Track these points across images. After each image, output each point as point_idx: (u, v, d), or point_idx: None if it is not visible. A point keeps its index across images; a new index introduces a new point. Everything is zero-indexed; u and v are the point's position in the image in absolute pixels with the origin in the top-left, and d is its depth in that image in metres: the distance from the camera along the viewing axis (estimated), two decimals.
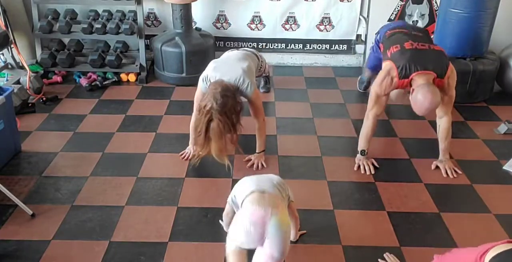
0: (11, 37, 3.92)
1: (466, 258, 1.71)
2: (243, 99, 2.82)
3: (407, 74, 2.70)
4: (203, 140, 2.61)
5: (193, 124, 2.93)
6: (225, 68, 2.84)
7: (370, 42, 4.38)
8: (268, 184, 2.04)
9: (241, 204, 1.97)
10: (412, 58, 2.71)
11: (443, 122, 2.92)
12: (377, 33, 3.34)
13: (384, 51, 2.96)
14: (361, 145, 2.98)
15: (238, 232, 1.90)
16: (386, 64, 2.82)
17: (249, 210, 1.90)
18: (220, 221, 2.41)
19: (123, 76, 4.17)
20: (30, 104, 3.63)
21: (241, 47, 4.57)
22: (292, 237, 2.33)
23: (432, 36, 4.23)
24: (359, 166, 2.96)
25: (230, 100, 2.58)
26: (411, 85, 2.72)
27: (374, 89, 2.87)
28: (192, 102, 3.80)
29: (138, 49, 4.20)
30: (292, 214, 2.23)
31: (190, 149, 3.05)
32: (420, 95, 2.61)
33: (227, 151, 2.66)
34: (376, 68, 3.39)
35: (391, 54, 2.83)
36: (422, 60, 2.71)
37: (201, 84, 2.84)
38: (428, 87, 2.62)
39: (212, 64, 2.87)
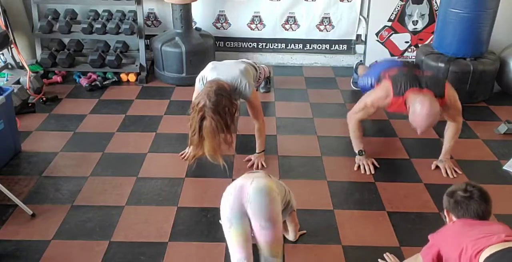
0: (11, 37, 3.92)
1: (456, 242, 1.68)
2: (242, 101, 2.82)
3: (402, 92, 2.64)
4: (197, 139, 2.56)
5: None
6: (222, 68, 2.83)
7: (370, 42, 4.40)
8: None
9: None
10: (409, 78, 2.69)
11: (452, 125, 2.91)
12: (369, 76, 3.27)
13: (383, 77, 2.90)
14: (355, 146, 3.00)
15: (223, 205, 1.92)
16: (384, 82, 2.80)
17: (235, 181, 1.96)
18: (220, 221, 2.41)
19: (123, 76, 4.17)
20: (30, 104, 3.63)
21: (241, 47, 4.59)
22: (291, 237, 2.33)
23: (432, 36, 4.24)
24: (359, 166, 2.97)
25: (224, 100, 2.53)
26: (406, 109, 2.66)
27: (366, 98, 2.85)
28: (191, 102, 3.80)
29: (138, 49, 4.20)
30: (293, 221, 2.25)
31: (190, 149, 3.05)
32: (418, 104, 2.55)
33: (221, 151, 2.60)
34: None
35: (389, 76, 2.81)
36: (418, 80, 2.67)
37: (198, 85, 2.84)
38: (424, 96, 2.57)
39: (210, 65, 2.86)
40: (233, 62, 3.05)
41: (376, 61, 3.39)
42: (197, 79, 2.85)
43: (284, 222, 2.22)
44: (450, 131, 2.93)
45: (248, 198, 1.85)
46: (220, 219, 2.39)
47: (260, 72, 3.34)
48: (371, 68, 3.33)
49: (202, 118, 2.49)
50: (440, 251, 1.75)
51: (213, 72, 2.77)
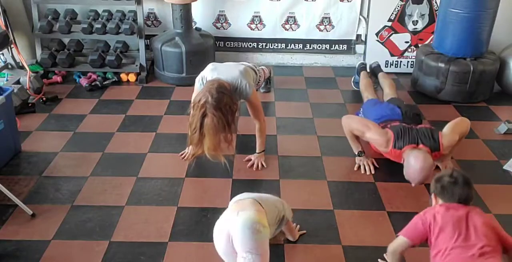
0: (11, 37, 3.92)
1: (441, 239, 1.89)
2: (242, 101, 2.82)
3: (401, 146, 2.70)
4: (198, 137, 2.54)
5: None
6: (222, 69, 2.82)
7: (370, 42, 4.40)
8: (251, 195, 2.06)
9: None
10: (409, 134, 2.73)
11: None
12: (364, 114, 3.26)
13: (383, 127, 2.91)
14: (354, 148, 3.01)
15: (214, 242, 1.97)
16: (388, 132, 2.78)
17: (223, 220, 1.96)
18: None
19: (123, 76, 4.17)
20: (30, 104, 3.63)
21: (241, 47, 4.59)
22: (291, 238, 2.33)
23: (432, 36, 4.24)
24: (359, 166, 2.97)
25: (225, 98, 2.53)
26: (403, 160, 2.73)
27: (366, 130, 2.82)
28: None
29: (138, 49, 4.20)
30: (288, 227, 2.27)
31: (190, 149, 3.05)
32: (412, 158, 2.62)
33: (221, 150, 2.60)
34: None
35: (390, 126, 2.84)
36: (416, 137, 2.72)
37: (197, 85, 2.83)
38: (419, 151, 2.64)
39: (210, 66, 2.86)
40: (233, 63, 3.06)
41: (372, 100, 3.38)
42: (196, 80, 2.85)
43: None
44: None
45: (233, 232, 1.86)
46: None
47: (259, 76, 3.33)
48: (367, 108, 3.29)
49: (204, 115, 2.48)
50: (431, 225, 1.92)
51: (213, 72, 2.77)
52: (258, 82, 3.35)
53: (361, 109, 3.35)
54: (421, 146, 2.68)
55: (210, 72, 2.77)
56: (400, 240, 1.99)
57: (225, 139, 2.57)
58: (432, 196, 2.06)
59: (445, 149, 2.74)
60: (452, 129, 2.80)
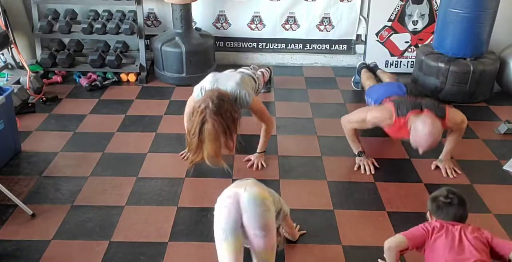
0: (11, 37, 3.92)
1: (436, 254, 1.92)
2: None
3: (404, 113, 2.64)
4: (197, 142, 2.50)
5: (186, 125, 2.93)
6: (222, 79, 2.79)
7: (370, 42, 4.40)
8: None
9: None
10: (410, 101, 2.71)
11: (455, 134, 2.90)
12: (369, 96, 3.25)
13: (384, 102, 2.92)
14: (354, 148, 3.01)
15: (217, 214, 1.91)
16: (386, 105, 2.79)
17: (226, 190, 1.95)
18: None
19: (123, 76, 4.17)
20: (30, 104, 3.63)
21: (241, 47, 4.59)
22: (292, 237, 2.33)
23: (432, 36, 4.24)
24: (359, 166, 2.97)
25: (226, 104, 2.52)
26: (408, 128, 2.65)
27: (366, 113, 2.82)
28: None
29: (138, 49, 4.20)
30: (287, 224, 2.26)
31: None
32: (419, 123, 2.55)
33: (221, 157, 2.56)
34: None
35: (390, 99, 2.83)
36: (420, 104, 2.68)
37: (197, 92, 2.80)
38: (425, 116, 2.58)
39: (210, 77, 2.83)
40: (232, 73, 3.03)
41: (375, 85, 3.38)
42: (195, 88, 2.82)
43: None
44: (452, 137, 2.93)
45: (243, 207, 1.85)
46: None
47: (259, 83, 3.30)
48: (371, 90, 3.30)
49: (203, 121, 2.46)
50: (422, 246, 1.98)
51: (212, 83, 2.75)
52: (258, 89, 3.32)
53: (366, 94, 3.33)
54: (426, 111, 2.60)
55: (210, 83, 2.75)
56: (398, 238, 2.00)
57: (225, 145, 2.53)
58: (428, 213, 2.14)
59: (450, 120, 2.67)
60: (456, 111, 2.80)
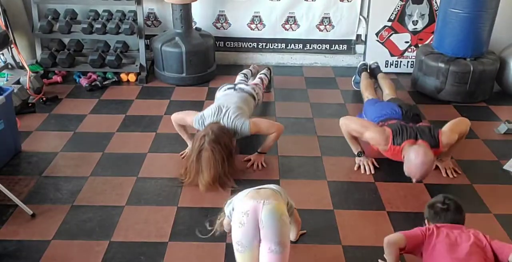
0: (11, 37, 3.92)
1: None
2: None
3: (399, 142, 2.69)
4: (194, 171, 2.67)
5: (178, 129, 3.05)
6: (223, 112, 2.86)
7: (370, 42, 4.40)
8: (265, 186, 2.05)
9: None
10: (407, 130, 2.72)
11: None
12: (365, 113, 3.27)
13: (381, 126, 2.91)
14: (353, 148, 3.01)
15: (234, 229, 1.91)
16: (386, 130, 2.78)
17: (242, 204, 1.92)
18: (214, 230, 2.39)
19: (123, 76, 4.17)
20: (30, 104, 3.63)
21: (241, 47, 4.59)
22: (292, 237, 2.33)
23: (432, 36, 4.24)
24: (359, 166, 2.97)
25: (225, 137, 2.68)
26: (402, 156, 2.70)
27: (365, 131, 2.81)
28: (193, 102, 3.81)
29: (138, 49, 4.20)
30: (295, 219, 2.24)
31: (189, 149, 3.04)
32: (412, 153, 2.59)
33: (217, 187, 2.68)
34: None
35: (388, 124, 2.84)
36: (414, 133, 2.71)
37: (196, 118, 2.88)
38: (419, 146, 2.62)
39: (212, 108, 2.89)
40: (232, 98, 3.05)
41: (373, 100, 3.39)
42: (195, 118, 2.89)
43: None
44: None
45: (261, 222, 1.85)
46: (215, 228, 2.39)
47: (258, 99, 3.33)
48: (368, 108, 3.29)
49: (201, 148, 2.61)
50: (420, 248, 2.00)
51: (214, 116, 2.84)
52: (257, 104, 3.35)
53: (363, 110, 3.35)
54: (420, 141, 2.67)
55: (211, 116, 2.84)
56: (397, 235, 2.03)
57: (224, 174, 2.69)
58: (426, 221, 2.15)
59: (444, 146, 2.73)
60: (451, 128, 2.80)
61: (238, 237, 1.90)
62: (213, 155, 2.60)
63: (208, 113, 2.87)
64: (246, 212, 1.87)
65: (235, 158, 2.83)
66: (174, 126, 3.16)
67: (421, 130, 2.73)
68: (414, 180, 2.66)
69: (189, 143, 3.02)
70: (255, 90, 3.29)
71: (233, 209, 2.01)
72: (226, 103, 2.92)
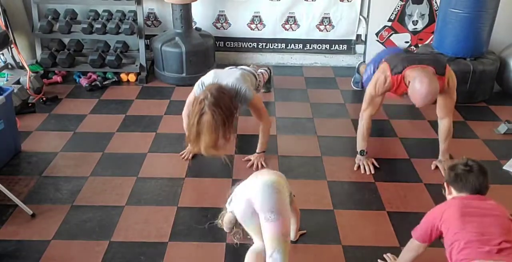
0: (11, 37, 3.92)
1: (453, 230, 1.77)
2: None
3: (400, 70, 2.66)
4: (195, 134, 2.54)
5: (185, 126, 2.95)
6: (222, 75, 2.82)
7: (370, 42, 4.40)
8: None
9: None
10: (407, 58, 2.72)
11: (443, 124, 2.91)
12: (369, 65, 3.31)
13: (381, 63, 2.95)
14: (359, 145, 2.99)
15: (236, 212, 1.95)
16: (381, 66, 2.84)
17: (244, 182, 1.97)
18: (218, 224, 2.39)
19: (123, 76, 4.17)
20: (30, 104, 3.63)
21: (241, 47, 4.59)
22: (292, 237, 2.32)
23: (432, 36, 4.24)
24: (359, 166, 2.96)
25: (226, 98, 2.55)
26: (406, 86, 2.68)
27: (368, 89, 2.87)
28: None
29: (138, 49, 4.20)
30: (294, 208, 2.23)
31: (190, 149, 3.05)
32: (417, 81, 2.55)
33: (218, 149, 2.58)
34: None
35: (385, 58, 2.85)
36: (416, 57, 2.70)
37: (196, 88, 2.83)
38: (425, 73, 2.57)
39: (211, 73, 2.86)
40: (232, 70, 3.06)
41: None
42: (196, 84, 2.86)
43: None
44: (442, 132, 2.93)
45: (255, 194, 1.86)
46: (217, 222, 2.39)
47: (259, 80, 3.33)
48: (371, 60, 3.36)
49: (202, 112, 2.49)
50: (439, 228, 1.82)
51: (214, 79, 2.77)
52: (258, 86, 3.34)
53: (366, 66, 3.36)
54: (426, 65, 2.60)
55: (210, 78, 2.78)
56: (415, 245, 1.95)
57: (223, 136, 2.55)
58: (445, 184, 1.97)
59: (448, 78, 2.66)
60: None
61: (238, 214, 1.94)
62: (213, 119, 2.47)
63: (208, 79, 2.79)
64: (241, 184, 1.94)
65: (235, 120, 2.75)
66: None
67: (425, 58, 2.67)
68: (417, 106, 2.65)
69: None
70: (256, 72, 3.30)
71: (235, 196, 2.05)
72: (227, 73, 2.89)
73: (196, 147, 2.60)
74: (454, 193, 1.92)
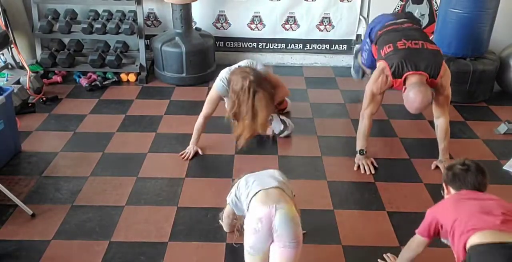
0: (11, 37, 3.92)
1: (453, 211, 1.78)
2: None
3: (400, 74, 2.75)
4: (251, 115, 2.80)
5: (199, 127, 3.05)
6: (235, 66, 3.02)
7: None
8: (271, 180, 2.02)
9: (248, 206, 1.97)
10: (405, 58, 2.75)
11: (440, 123, 2.93)
12: (369, 31, 3.34)
13: (378, 52, 2.99)
14: (359, 144, 2.99)
15: (248, 234, 1.91)
16: (380, 64, 2.87)
17: (255, 210, 1.91)
18: (220, 221, 2.41)
19: (123, 76, 4.17)
20: (30, 104, 3.63)
21: (241, 47, 4.59)
22: None
23: (432, 36, 4.23)
24: (359, 166, 2.96)
25: (260, 73, 2.91)
26: (404, 84, 2.76)
27: (369, 87, 2.89)
28: (193, 102, 3.80)
29: (138, 49, 4.20)
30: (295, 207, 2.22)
31: (190, 149, 3.05)
32: (412, 94, 2.67)
33: (266, 125, 2.96)
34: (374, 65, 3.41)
35: (384, 54, 2.87)
36: (415, 60, 2.74)
37: (218, 83, 2.98)
38: (419, 87, 2.67)
39: (226, 69, 3.03)
40: (242, 62, 3.18)
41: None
42: (215, 84, 3.02)
43: None
44: (440, 128, 2.94)
45: (275, 228, 1.86)
46: (219, 219, 2.40)
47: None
48: (366, 33, 3.45)
49: (253, 92, 2.77)
50: (439, 221, 1.83)
51: (230, 69, 3.01)
52: None
53: (363, 44, 3.48)
54: (422, 72, 2.72)
55: (227, 71, 3.00)
56: (415, 242, 1.96)
57: (272, 111, 2.95)
58: (443, 184, 1.98)
59: (442, 79, 2.80)
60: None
61: (251, 242, 1.90)
62: (265, 95, 2.80)
63: (227, 71, 3.01)
64: (260, 218, 1.86)
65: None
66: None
67: (424, 53, 2.79)
68: (411, 112, 2.80)
69: (194, 143, 3.08)
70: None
71: (236, 197, 2.05)
72: (238, 64, 3.11)
73: (251, 129, 2.86)
74: (453, 192, 1.93)
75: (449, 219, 1.77)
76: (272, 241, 1.88)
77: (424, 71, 2.72)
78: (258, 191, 1.95)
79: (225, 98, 3.07)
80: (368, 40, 3.35)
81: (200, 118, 3.05)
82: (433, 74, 2.75)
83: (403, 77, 2.75)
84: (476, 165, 1.90)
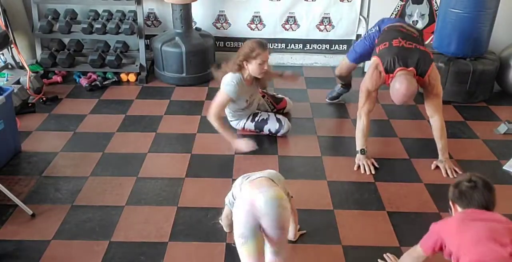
0: (11, 37, 3.92)
1: (457, 235, 1.73)
2: None
3: (392, 69, 2.82)
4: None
5: (220, 125, 3.04)
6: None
7: None
8: (262, 173, 2.07)
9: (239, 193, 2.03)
10: (398, 54, 2.84)
11: (435, 122, 2.96)
12: (378, 25, 3.36)
13: (375, 47, 3.04)
14: (359, 144, 2.99)
15: (235, 224, 1.93)
16: (373, 60, 2.93)
17: (242, 195, 1.96)
18: (220, 221, 2.41)
19: (123, 76, 4.17)
20: (30, 104, 3.63)
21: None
22: (291, 236, 2.33)
23: (432, 36, 4.24)
24: (359, 166, 2.96)
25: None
26: (389, 81, 2.85)
27: (364, 85, 2.94)
28: (193, 102, 3.81)
29: (138, 49, 4.20)
30: (292, 210, 2.22)
31: (240, 142, 3.05)
32: (397, 83, 2.75)
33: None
34: (357, 59, 3.50)
35: (379, 51, 2.94)
36: (406, 58, 2.82)
37: (229, 85, 3.11)
38: (405, 75, 2.75)
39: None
40: None
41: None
42: (226, 84, 3.17)
43: None
44: (435, 128, 2.97)
45: (261, 211, 1.86)
46: (217, 220, 2.40)
47: None
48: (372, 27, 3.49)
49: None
50: (443, 241, 1.78)
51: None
52: None
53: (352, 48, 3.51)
54: (411, 68, 2.80)
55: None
56: (416, 253, 1.91)
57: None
58: (450, 203, 1.89)
59: (430, 77, 2.85)
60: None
61: (240, 231, 1.90)
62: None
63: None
64: (245, 199, 1.91)
65: None
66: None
67: (415, 53, 2.85)
68: (397, 103, 2.87)
69: (235, 137, 3.07)
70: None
71: (233, 197, 2.08)
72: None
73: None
74: (460, 210, 1.85)
75: (453, 241, 1.72)
76: (262, 227, 1.89)
77: (413, 68, 2.81)
78: (244, 183, 2.02)
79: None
80: (375, 33, 3.34)
81: (215, 122, 3.03)
82: (421, 72, 2.82)
83: (395, 73, 2.81)
84: (483, 181, 1.81)
